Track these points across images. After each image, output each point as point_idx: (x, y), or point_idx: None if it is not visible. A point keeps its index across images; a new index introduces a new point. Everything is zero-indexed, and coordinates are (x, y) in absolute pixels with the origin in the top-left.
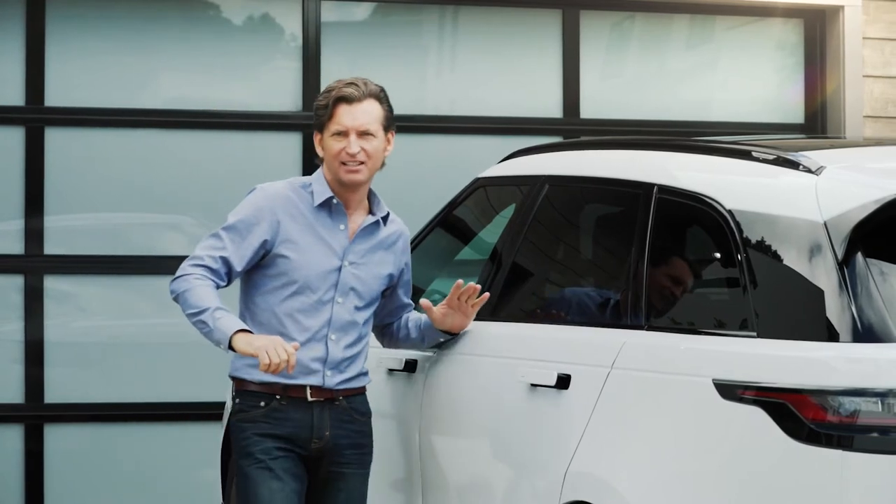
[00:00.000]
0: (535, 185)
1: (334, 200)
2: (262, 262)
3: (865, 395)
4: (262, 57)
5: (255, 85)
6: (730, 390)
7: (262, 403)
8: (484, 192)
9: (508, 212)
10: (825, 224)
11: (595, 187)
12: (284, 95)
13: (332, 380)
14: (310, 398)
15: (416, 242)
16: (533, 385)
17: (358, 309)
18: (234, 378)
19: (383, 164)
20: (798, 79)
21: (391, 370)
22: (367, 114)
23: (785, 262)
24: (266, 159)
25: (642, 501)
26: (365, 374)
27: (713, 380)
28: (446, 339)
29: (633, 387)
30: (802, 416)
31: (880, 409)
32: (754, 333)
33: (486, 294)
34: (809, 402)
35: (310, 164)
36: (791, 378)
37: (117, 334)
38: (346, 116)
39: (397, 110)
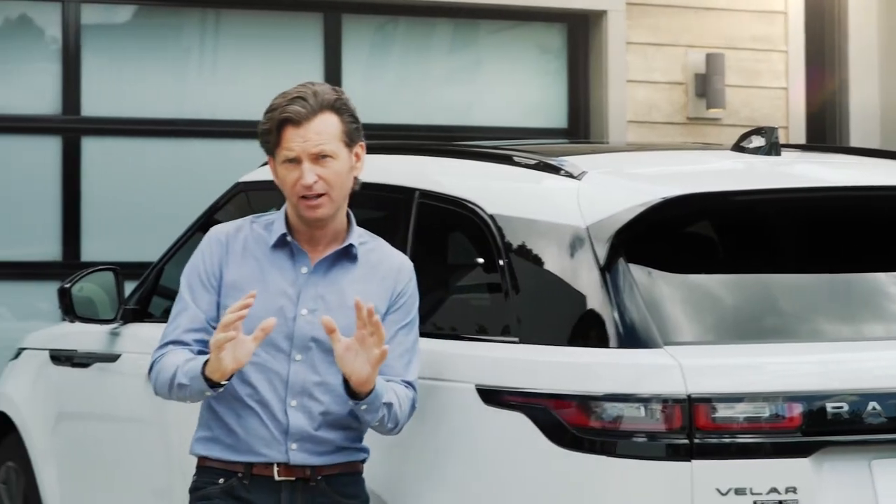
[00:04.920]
0: None
1: (288, 238)
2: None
3: (628, 401)
4: (22, 59)
5: (15, 88)
6: (493, 396)
7: (221, 480)
8: (245, 196)
9: None
10: (587, 229)
11: (357, 191)
12: (44, 99)
13: (300, 455)
14: (277, 477)
15: (177, 248)
16: None
17: (330, 365)
18: (194, 455)
19: (357, 183)
20: (561, 83)
21: None
22: (321, 133)
23: (547, 267)
24: (25, 163)
25: None
26: (358, 449)
27: (476, 385)
28: (357, 406)
29: None
30: (565, 421)
31: (643, 414)
32: (517, 339)
33: (385, 349)
34: (572, 407)
35: (71, 168)
36: (553, 383)
37: None
38: (296, 140)
39: (158, 114)
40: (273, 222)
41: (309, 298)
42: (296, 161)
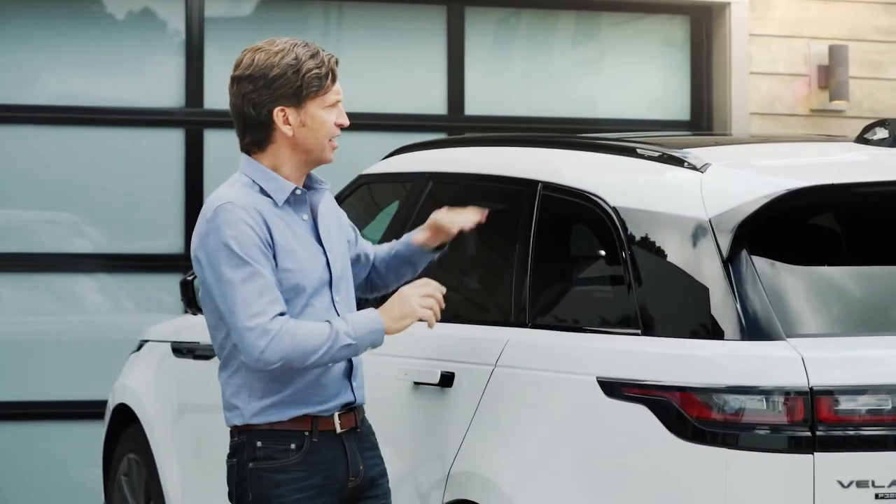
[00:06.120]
0: (419, 182)
1: (298, 191)
2: None
3: (750, 393)
4: (145, 53)
5: (138, 81)
6: (614, 388)
7: (293, 446)
8: (368, 188)
9: (392, 208)
10: (710, 221)
11: (479, 184)
12: (167, 91)
13: (360, 393)
14: (338, 429)
15: None
16: (416, 383)
17: (352, 300)
18: (250, 426)
19: None
20: (684, 75)
21: None
22: None
23: (670, 259)
24: (148, 156)
25: (526, 500)
26: None
27: (597, 377)
28: (442, 255)
29: (517, 385)
30: (687, 413)
31: (765, 406)
32: (638, 331)
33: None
34: (694, 399)
35: (193, 160)
36: (675, 376)
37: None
38: (336, 85)
39: None
40: (252, 184)
41: (325, 240)
42: (335, 105)
